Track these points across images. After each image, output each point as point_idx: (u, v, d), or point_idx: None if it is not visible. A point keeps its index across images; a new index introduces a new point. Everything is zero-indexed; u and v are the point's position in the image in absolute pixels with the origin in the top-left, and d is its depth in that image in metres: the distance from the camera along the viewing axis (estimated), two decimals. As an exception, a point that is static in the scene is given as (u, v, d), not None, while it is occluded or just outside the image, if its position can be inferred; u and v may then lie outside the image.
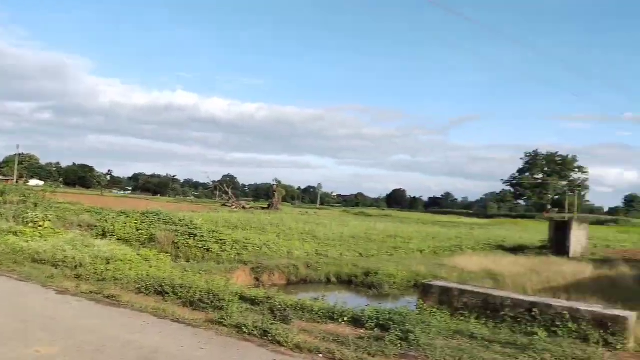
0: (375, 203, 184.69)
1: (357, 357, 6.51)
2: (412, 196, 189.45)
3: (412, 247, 25.64)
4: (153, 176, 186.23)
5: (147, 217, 23.22)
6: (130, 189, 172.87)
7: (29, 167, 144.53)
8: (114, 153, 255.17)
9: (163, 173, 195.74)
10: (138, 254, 14.92)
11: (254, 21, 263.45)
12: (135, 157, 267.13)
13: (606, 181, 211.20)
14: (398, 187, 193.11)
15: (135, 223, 22.11)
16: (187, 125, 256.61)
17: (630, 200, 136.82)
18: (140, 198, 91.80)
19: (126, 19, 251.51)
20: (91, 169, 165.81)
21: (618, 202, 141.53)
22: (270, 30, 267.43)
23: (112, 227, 21.37)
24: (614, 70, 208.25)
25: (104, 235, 19.82)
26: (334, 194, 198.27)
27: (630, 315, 8.28)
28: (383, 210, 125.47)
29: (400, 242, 27.81)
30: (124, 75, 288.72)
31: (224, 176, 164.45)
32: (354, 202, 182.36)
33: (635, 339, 8.30)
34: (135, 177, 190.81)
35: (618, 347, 7.78)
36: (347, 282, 17.62)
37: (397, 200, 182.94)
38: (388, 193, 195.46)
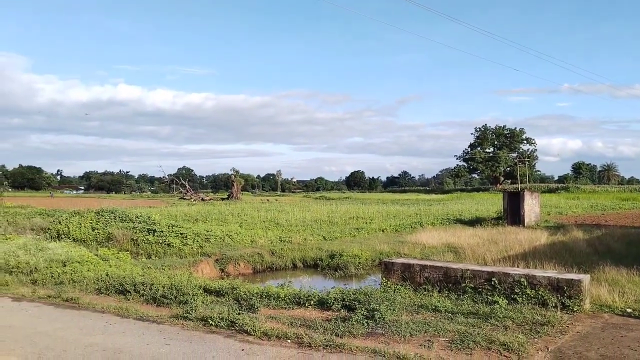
0: (335, 186, 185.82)
1: (325, 339, 6.55)
2: (370, 177, 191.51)
3: (374, 227, 25.93)
4: (105, 174, 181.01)
5: (103, 215, 22.56)
6: (82, 188, 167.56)
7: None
8: (60, 152, 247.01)
9: (115, 170, 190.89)
10: (96, 254, 14.51)
11: (194, 10, 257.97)
12: (83, 155, 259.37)
13: (552, 151, 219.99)
14: (356, 169, 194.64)
15: (91, 223, 21.45)
16: (133, 119, 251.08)
17: (577, 168, 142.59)
18: (94, 197, 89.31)
19: (60, 13, 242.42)
20: (39, 170, 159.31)
21: (567, 170, 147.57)
22: (212, 19, 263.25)
23: (66, 229, 20.67)
24: (550, 44, 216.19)
25: (58, 238, 19.14)
26: (294, 179, 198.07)
27: (584, 278, 8.65)
28: (343, 192, 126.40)
29: (362, 222, 28.08)
30: (61, 71, 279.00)
31: (179, 169, 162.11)
32: (315, 186, 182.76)
33: (590, 300, 8.70)
34: (87, 176, 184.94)
35: (575, 309, 8.13)
36: (313, 266, 17.69)
37: (356, 181, 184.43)
38: (347, 175, 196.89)
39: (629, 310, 8.42)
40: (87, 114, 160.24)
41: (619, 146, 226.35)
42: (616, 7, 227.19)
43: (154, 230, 19.79)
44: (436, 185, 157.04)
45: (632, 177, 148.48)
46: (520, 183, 54.82)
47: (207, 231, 20.69)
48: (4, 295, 9.97)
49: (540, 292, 8.50)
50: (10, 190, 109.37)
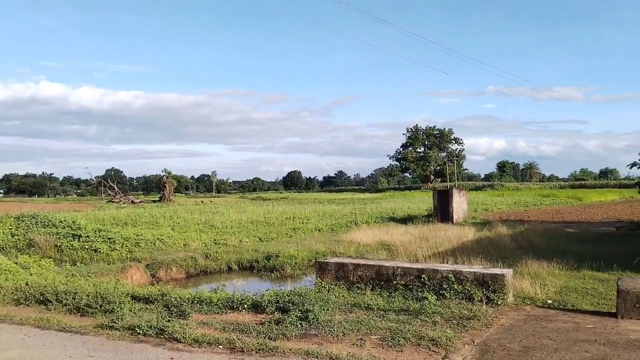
0: (272, 186, 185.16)
1: (258, 343, 6.47)
2: (307, 177, 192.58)
3: (311, 227, 26.02)
4: (27, 176, 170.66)
5: (23, 221, 21.25)
6: (1, 191, 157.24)
7: None
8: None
9: (38, 172, 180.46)
10: (15, 262, 13.63)
11: (124, 5, 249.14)
12: (3, 157, 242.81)
13: (478, 150, 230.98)
14: (293, 169, 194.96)
15: (10, 228, 20.14)
16: (57, 118, 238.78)
17: (502, 166, 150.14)
18: (14, 201, 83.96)
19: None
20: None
21: (492, 169, 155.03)
22: (144, 14, 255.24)
23: (-19, 236, 19.30)
24: (477, 47, 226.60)
25: (-28, 246, 17.84)
26: (230, 180, 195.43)
27: (508, 272, 9.08)
28: (280, 193, 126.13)
29: (298, 223, 28.10)
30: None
31: (107, 170, 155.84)
32: (251, 187, 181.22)
33: (514, 292, 9.14)
34: (7, 179, 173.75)
35: (499, 302, 8.51)
36: (249, 268, 17.49)
37: (293, 181, 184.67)
38: (284, 175, 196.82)
39: (549, 301, 8.92)
40: (88, 171, 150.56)
41: (540, 145, 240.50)
42: (538, 13, 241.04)
43: (80, 236, 18.87)
44: (371, 184, 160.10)
45: (552, 174, 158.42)
46: (449, 181, 56.95)
47: (137, 235, 19.97)
48: None
49: (467, 287, 8.83)
50: None
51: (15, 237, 19.26)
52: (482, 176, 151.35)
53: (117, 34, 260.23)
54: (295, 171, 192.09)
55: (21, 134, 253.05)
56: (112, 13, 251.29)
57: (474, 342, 6.63)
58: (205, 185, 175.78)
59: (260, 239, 22.30)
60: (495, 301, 8.55)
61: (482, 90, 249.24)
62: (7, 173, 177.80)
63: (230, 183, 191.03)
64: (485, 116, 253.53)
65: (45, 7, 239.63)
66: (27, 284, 10.46)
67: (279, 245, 19.77)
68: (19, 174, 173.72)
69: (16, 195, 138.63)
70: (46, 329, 7.72)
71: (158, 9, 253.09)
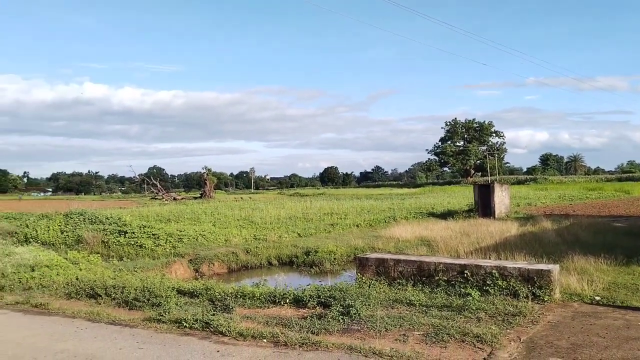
0: (309, 182, 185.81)
1: (301, 337, 6.54)
2: (344, 172, 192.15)
3: (349, 223, 26.01)
4: (74, 174, 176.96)
5: (72, 218, 22.07)
6: (50, 190, 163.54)
7: None
8: (26, 154, 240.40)
9: (84, 170, 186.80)
10: (65, 258, 14.19)
11: (161, 6, 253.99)
12: (50, 156, 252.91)
13: (520, 143, 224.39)
14: (330, 165, 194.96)
15: (59, 225, 20.96)
16: (101, 118, 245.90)
17: (545, 159, 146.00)
18: (62, 199, 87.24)
19: (22, 10, 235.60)
20: (4, 172, 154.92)
21: (534, 162, 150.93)
22: (181, 14, 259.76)
23: (34, 232, 20.15)
24: (516, 39, 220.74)
25: (26, 242, 18.65)
26: (268, 176, 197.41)
27: (554, 268, 8.85)
28: (317, 188, 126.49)
29: (336, 218, 28.14)
30: (24, 70, 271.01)
31: (150, 168, 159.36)
32: (289, 183, 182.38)
33: (560, 289, 8.91)
34: (55, 177, 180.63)
35: (545, 299, 8.31)
36: (289, 264, 17.65)
37: (330, 177, 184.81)
38: (321, 171, 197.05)
39: (597, 298, 8.65)
40: (132, 169, 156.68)
41: (584, 137, 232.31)
42: (578, 2, 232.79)
43: (125, 232, 19.46)
44: (409, 179, 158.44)
45: (598, 167, 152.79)
46: (490, 175, 55.82)
47: (180, 231, 20.44)
48: (-31, 304, 9.66)
49: (511, 283, 8.66)
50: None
51: (65, 233, 20.01)
52: (524, 170, 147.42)
53: (155, 34, 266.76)
54: (332, 167, 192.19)
55: (67, 134, 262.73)
56: (150, 14, 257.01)
57: (520, 339, 6.51)
58: (243, 181, 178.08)
59: (299, 234, 22.44)
60: (541, 297, 8.35)
61: (522, 82, 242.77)
62: (55, 172, 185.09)
63: (268, 179, 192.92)
64: (526, 108, 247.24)
65: (86, 9, 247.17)
66: (77, 279, 10.88)
67: (317, 241, 19.86)
68: (66, 173, 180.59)
69: (64, 193, 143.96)
70: (97, 322, 8.01)
71: (195, 8, 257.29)
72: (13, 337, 7.26)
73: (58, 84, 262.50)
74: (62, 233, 20.06)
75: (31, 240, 19.08)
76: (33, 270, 11.96)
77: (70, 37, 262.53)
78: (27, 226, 21.39)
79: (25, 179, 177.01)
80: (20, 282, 11.01)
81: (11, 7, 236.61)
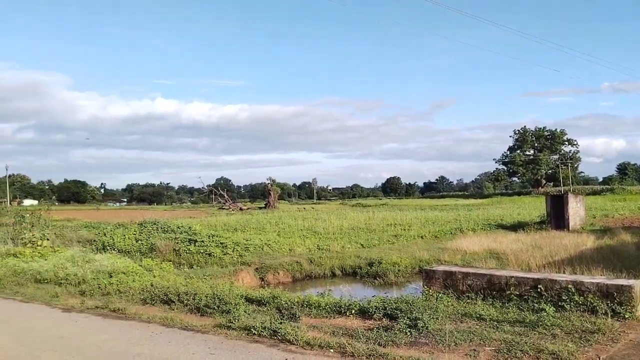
0: (371, 193, 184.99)
1: (368, 349, 6.51)
2: (407, 183, 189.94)
3: (413, 234, 25.68)
4: (147, 185, 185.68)
5: (145, 227, 23.15)
6: (125, 200, 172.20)
7: (21, 187, 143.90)
8: (103, 166, 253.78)
9: (156, 182, 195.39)
10: (140, 265, 14.88)
11: (225, 22, 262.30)
12: (125, 169, 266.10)
13: (595, 151, 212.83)
14: (392, 175, 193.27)
15: (134, 234, 22.04)
16: (171, 132, 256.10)
17: (623, 168, 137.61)
18: (136, 208, 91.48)
19: (96, 30, 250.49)
20: (84, 183, 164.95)
21: (611, 171, 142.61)
22: (242, 30, 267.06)
23: (111, 240, 21.30)
24: (588, 42, 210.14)
25: (103, 249, 19.75)
26: (330, 187, 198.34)
27: (635, 283, 8.32)
28: (380, 199, 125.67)
29: (400, 229, 27.84)
30: (101, 87, 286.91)
31: (217, 179, 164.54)
32: (351, 193, 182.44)
33: (642, 306, 8.35)
34: (129, 188, 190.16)
35: (626, 316, 7.82)
36: (352, 274, 17.64)
37: (392, 188, 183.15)
38: (383, 182, 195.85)
39: (685, 317, 8.05)
40: (200, 180, 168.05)
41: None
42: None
43: (195, 241, 20.18)
44: (475, 189, 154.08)
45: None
46: (563, 185, 53.37)
47: (247, 240, 20.95)
48: (55, 307, 10.32)
49: (588, 299, 8.22)
50: (56, 203, 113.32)
51: (139, 242, 21.02)
52: (600, 179, 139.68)
53: (220, 50, 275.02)
54: (395, 177, 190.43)
55: (141, 147, 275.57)
56: (213, 30, 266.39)
57: (599, 358, 6.16)
58: (306, 192, 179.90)
59: (362, 245, 22.40)
60: (621, 314, 7.87)
61: (597, 88, 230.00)
62: (130, 183, 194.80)
63: (330, 190, 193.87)
64: (601, 115, 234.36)
65: (157, 28, 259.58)
66: (151, 285, 11.37)
67: (381, 252, 19.73)
68: (140, 184, 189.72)
69: (137, 203, 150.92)
70: (170, 327, 8.33)
71: (256, 24, 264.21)
72: (94, 340, 7.69)
73: (132, 100, 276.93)
74: (136, 241, 21.08)
75: (108, 248, 20.17)
76: (111, 276, 12.62)
77: (143, 55, 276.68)
78: (105, 234, 22.63)
79: (102, 190, 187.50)
80: (99, 287, 11.63)
81: (90, 30, 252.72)
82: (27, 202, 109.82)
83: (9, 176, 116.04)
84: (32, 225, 24.70)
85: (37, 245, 17.48)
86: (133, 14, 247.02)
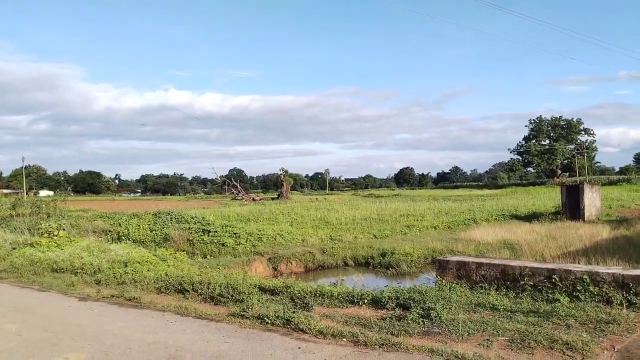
0: (384, 183, 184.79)
1: (380, 338, 6.52)
2: (420, 173, 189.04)
3: (426, 224, 25.60)
4: (160, 176, 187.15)
5: (160, 217, 23.36)
6: (139, 191, 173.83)
7: (37, 178, 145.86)
8: (117, 157, 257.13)
9: (170, 172, 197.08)
10: (155, 255, 15.03)
11: (237, 14, 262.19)
12: (139, 159, 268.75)
13: (611, 141, 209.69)
14: (405, 166, 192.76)
15: (148, 224, 22.26)
16: (185, 123, 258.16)
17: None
18: (150, 199, 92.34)
19: (110, 22, 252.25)
20: (98, 174, 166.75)
21: (628, 161, 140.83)
22: (255, 21, 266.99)
23: (125, 231, 21.53)
24: (603, 31, 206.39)
25: (118, 239, 19.98)
26: (342, 178, 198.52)
27: (652, 273, 8.23)
28: (393, 190, 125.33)
29: (413, 220, 27.77)
30: (115, 79, 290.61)
31: (230, 170, 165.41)
32: (363, 184, 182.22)
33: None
34: (143, 179, 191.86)
35: (642, 306, 7.74)
36: (364, 264, 17.66)
37: (405, 178, 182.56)
38: (396, 172, 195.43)
39: (703, 308, 7.94)
40: (214, 171, 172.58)
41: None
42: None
43: (209, 231, 20.32)
44: (489, 180, 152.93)
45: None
46: (579, 175, 52.74)
47: (259, 231, 21.05)
48: (71, 295, 10.47)
49: (604, 290, 8.14)
50: (72, 194, 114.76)
51: (154, 232, 21.23)
52: (617, 169, 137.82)
53: (233, 41, 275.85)
54: (408, 168, 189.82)
55: (154, 139, 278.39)
56: (229, 22, 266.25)
57: (614, 348, 6.11)
58: (318, 183, 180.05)
59: (374, 235, 22.39)
60: (637, 305, 7.77)
61: (614, 76, 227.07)
62: (144, 174, 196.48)
63: (342, 180, 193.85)
64: (617, 103, 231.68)
65: (170, 19, 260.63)
66: (166, 274, 11.49)
67: (393, 242, 19.71)
68: (154, 175, 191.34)
69: (152, 194, 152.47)
70: (185, 315, 8.42)
71: (270, 15, 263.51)
72: (110, 328, 7.80)
73: (146, 92, 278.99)
74: (151, 231, 21.29)
75: (123, 237, 20.40)
76: (126, 266, 12.78)
77: (157, 47, 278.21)
78: (120, 225, 22.88)
79: (116, 181, 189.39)
80: (115, 277, 11.78)
81: (104, 22, 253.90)
82: (43, 192, 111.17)
83: (25, 167, 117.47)
84: (49, 216, 25.09)
85: (54, 235, 17.72)
86: (148, 6, 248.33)
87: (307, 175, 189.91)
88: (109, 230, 22.25)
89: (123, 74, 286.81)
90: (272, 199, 72.46)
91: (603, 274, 8.32)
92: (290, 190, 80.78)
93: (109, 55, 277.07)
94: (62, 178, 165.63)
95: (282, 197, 71.62)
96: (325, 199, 67.34)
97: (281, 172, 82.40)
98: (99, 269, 12.63)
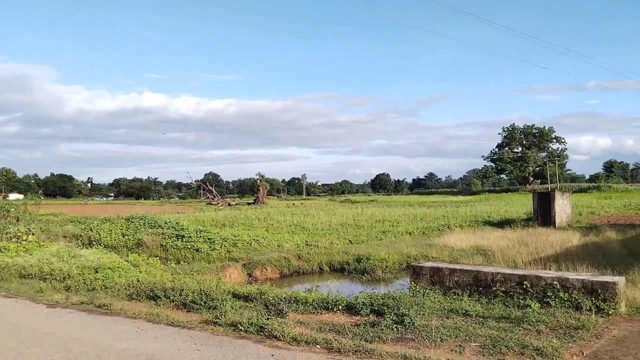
0: (360, 189, 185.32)
1: (354, 344, 6.52)
2: (396, 179, 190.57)
3: (401, 230, 25.75)
4: (134, 180, 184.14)
5: (132, 222, 22.97)
6: (112, 194, 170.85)
7: (7, 181, 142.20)
8: (89, 160, 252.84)
9: (144, 176, 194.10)
10: (126, 260, 14.77)
11: (213, 18, 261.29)
12: (112, 163, 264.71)
13: (581, 149, 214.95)
14: (381, 172, 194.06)
15: (121, 229, 21.86)
16: (159, 126, 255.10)
17: (609, 166, 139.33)
18: (124, 203, 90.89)
19: (83, 23, 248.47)
20: (70, 178, 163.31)
21: (598, 169, 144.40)
22: (232, 26, 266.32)
23: (97, 235, 21.12)
24: (574, 42, 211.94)
25: (90, 244, 19.58)
26: (319, 183, 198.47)
27: (619, 280, 8.43)
28: (369, 195, 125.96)
29: (388, 226, 27.92)
30: (88, 81, 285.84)
31: (206, 175, 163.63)
32: (340, 189, 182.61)
33: (626, 302, 8.47)
34: (117, 183, 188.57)
35: (610, 312, 7.92)
36: (340, 270, 17.66)
37: (381, 184, 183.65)
38: (372, 178, 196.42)
39: (667, 313, 8.16)
40: (189, 175, 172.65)
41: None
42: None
43: (183, 236, 20.07)
44: (463, 186, 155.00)
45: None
46: (551, 183, 53.80)
47: (235, 236, 20.88)
48: (39, 302, 10.21)
49: (573, 295, 8.31)
50: (43, 198, 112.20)
51: (126, 237, 20.86)
52: (587, 177, 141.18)
53: (209, 44, 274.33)
54: (384, 174, 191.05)
55: (127, 142, 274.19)
56: (203, 25, 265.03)
57: (583, 354, 6.23)
58: (295, 188, 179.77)
59: (350, 241, 22.42)
60: (605, 311, 7.97)
61: (583, 85, 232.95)
62: (117, 177, 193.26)
63: (319, 186, 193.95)
64: (587, 113, 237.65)
65: (146, 23, 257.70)
66: (138, 281, 11.29)
67: (369, 248, 19.77)
68: (127, 179, 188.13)
69: (125, 198, 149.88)
70: (156, 322, 8.28)
71: (246, 19, 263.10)
72: (79, 336, 7.62)
73: (119, 94, 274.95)
74: (123, 236, 20.92)
75: (94, 243, 20.01)
76: (97, 272, 12.52)
77: (131, 49, 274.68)
78: (91, 229, 22.43)
79: (89, 184, 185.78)
80: (85, 283, 11.53)
81: (77, 23, 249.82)
82: (13, 196, 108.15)
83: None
84: (18, 220, 24.39)
85: (22, 240, 17.27)
86: (121, 8, 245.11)
87: (283, 180, 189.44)
88: (80, 235, 21.78)
89: (96, 75, 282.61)
90: (248, 204, 72.07)
91: (573, 280, 8.48)
92: (267, 195, 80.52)
93: (82, 57, 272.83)
94: (33, 181, 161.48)
95: (258, 202, 71.30)
96: (301, 204, 67.31)
97: (257, 176, 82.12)
98: (68, 274, 12.34)
